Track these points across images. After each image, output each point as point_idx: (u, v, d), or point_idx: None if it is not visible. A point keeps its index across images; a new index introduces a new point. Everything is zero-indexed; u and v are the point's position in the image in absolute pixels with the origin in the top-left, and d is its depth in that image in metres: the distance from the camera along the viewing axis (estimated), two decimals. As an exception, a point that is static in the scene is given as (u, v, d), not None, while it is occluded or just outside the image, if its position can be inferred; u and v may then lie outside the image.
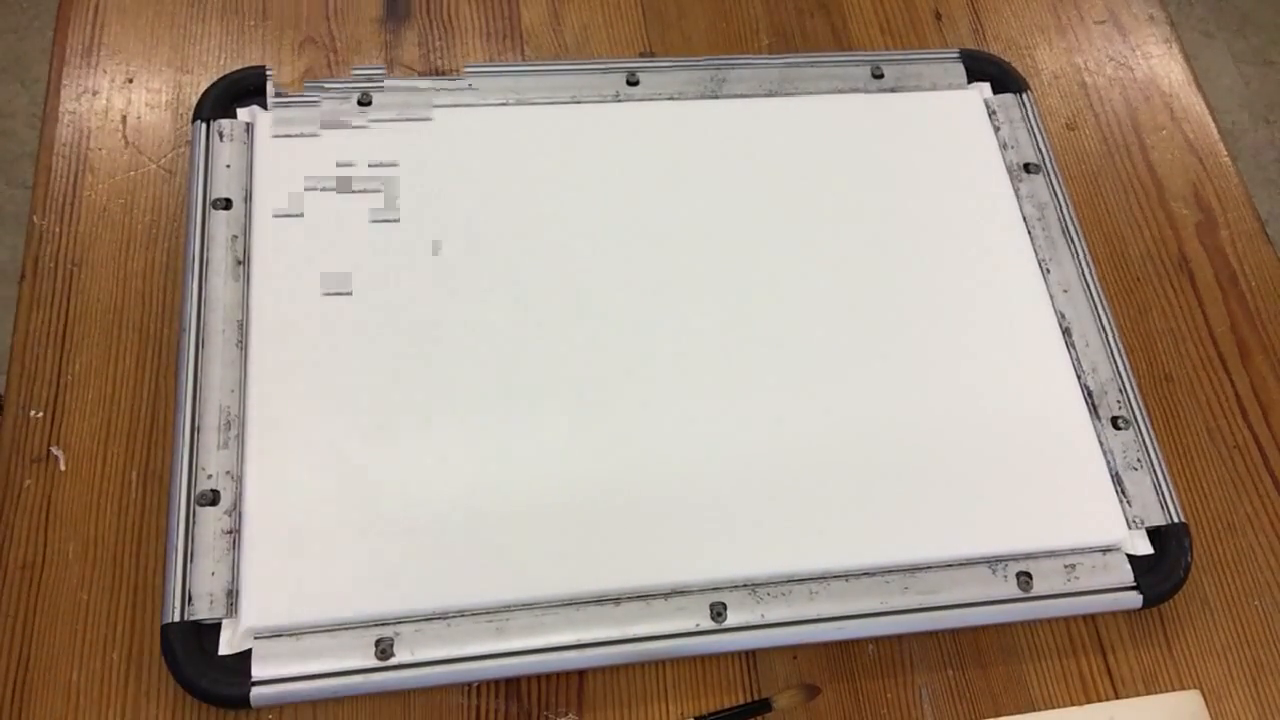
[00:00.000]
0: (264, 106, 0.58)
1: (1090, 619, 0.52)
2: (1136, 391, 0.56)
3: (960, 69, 0.66)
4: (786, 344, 0.55)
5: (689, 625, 0.48)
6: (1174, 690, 0.51)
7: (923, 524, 0.51)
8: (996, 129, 0.64)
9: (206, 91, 0.58)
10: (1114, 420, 0.55)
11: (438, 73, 0.64)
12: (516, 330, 0.54)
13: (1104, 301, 0.58)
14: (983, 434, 0.54)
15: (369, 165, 0.57)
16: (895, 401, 0.54)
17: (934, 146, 0.63)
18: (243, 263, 0.53)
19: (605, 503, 0.50)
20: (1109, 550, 0.52)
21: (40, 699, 0.46)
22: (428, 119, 0.59)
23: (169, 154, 0.59)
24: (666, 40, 0.67)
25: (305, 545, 0.47)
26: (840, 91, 0.64)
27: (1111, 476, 0.54)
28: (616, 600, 0.48)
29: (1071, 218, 0.61)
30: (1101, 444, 0.55)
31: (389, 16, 0.66)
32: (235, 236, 0.54)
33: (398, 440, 0.50)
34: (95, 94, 0.60)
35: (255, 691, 0.44)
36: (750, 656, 0.50)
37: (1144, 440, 0.55)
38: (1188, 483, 0.57)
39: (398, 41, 0.65)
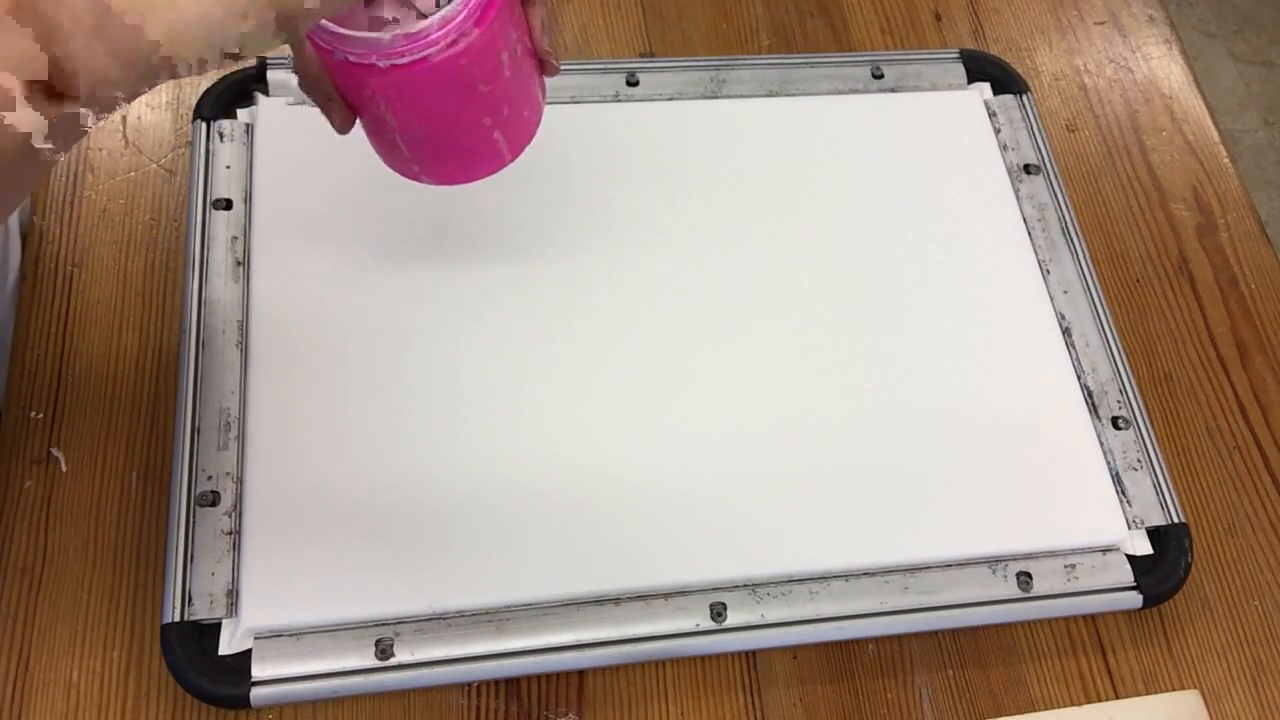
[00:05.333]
0: (265, 93, 0.58)
1: (1090, 619, 0.53)
2: (1136, 392, 0.56)
3: (960, 69, 0.66)
4: (786, 344, 0.55)
5: (689, 625, 0.48)
6: (1174, 690, 0.51)
7: (923, 524, 0.51)
8: (997, 130, 0.64)
9: (207, 91, 0.58)
10: (1114, 420, 0.55)
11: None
12: (516, 331, 0.54)
13: (1104, 302, 0.58)
14: (983, 434, 0.54)
15: (368, 166, 0.57)
16: (895, 401, 0.54)
17: (934, 147, 0.63)
18: (243, 263, 0.53)
19: (605, 503, 0.50)
20: (1109, 550, 0.52)
21: (40, 699, 0.46)
22: None
23: (169, 154, 0.59)
24: (666, 40, 0.67)
25: (305, 545, 0.47)
26: (840, 92, 0.64)
27: (1111, 476, 0.54)
28: (616, 600, 0.48)
29: (1071, 219, 0.61)
30: (1101, 444, 0.55)
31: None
32: (235, 237, 0.54)
33: (398, 440, 0.50)
34: (95, 94, 0.60)
35: (255, 691, 0.44)
36: (750, 656, 0.50)
37: (1144, 440, 0.55)
38: (1188, 483, 0.57)
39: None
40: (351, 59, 0.37)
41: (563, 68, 0.62)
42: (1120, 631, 0.52)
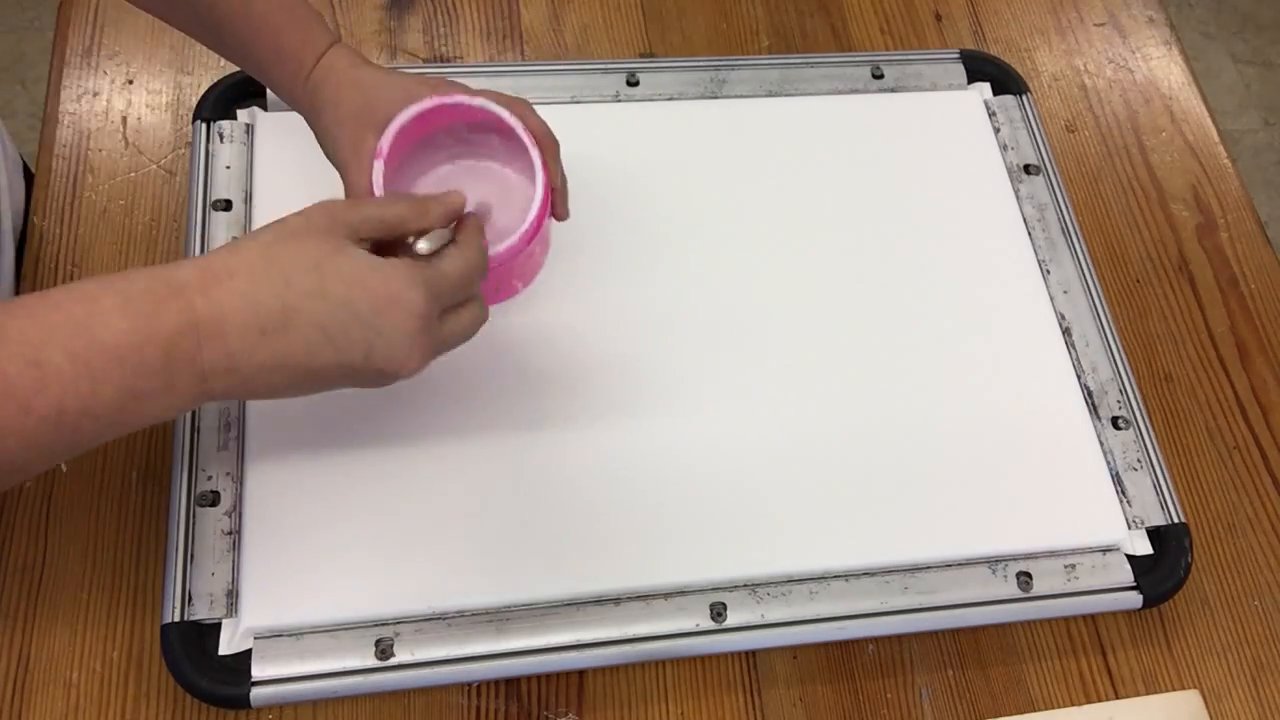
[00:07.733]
0: (264, 108, 0.58)
1: (1090, 619, 0.52)
2: (1136, 392, 0.56)
3: (960, 69, 0.66)
4: (786, 345, 0.55)
5: (689, 625, 0.48)
6: (1174, 690, 0.51)
7: (922, 524, 0.51)
8: (996, 130, 0.64)
9: (207, 92, 0.58)
10: (1114, 420, 0.55)
11: (441, 59, 0.64)
12: (515, 331, 0.54)
13: (1104, 302, 0.58)
14: (983, 434, 0.54)
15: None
16: (895, 402, 0.54)
17: (934, 147, 0.63)
18: (243, 263, 0.53)
19: (606, 503, 0.50)
20: (1109, 550, 0.52)
21: (40, 699, 0.46)
22: None
23: (169, 155, 0.59)
24: (666, 40, 0.67)
25: (305, 545, 0.47)
26: (840, 92, 0.64)
27: (1111, 476, 0.54)
28: (616, 600, 0.48)
29: (1071, 219, 0.61)
30: (1101, 444, 0.55)
31: (393, 4, 0.66)
32: (235, 238, 0.54)
33: (398, 441, 0.50)
34: (95, 95, 0.60)
35: (255, 691, 0.44)
36: (750, 656, 0.50)
37: (1144, 440, 0.55)
38: (1188, 483, 0.57)
39: (401, 29, 0.65)
40: None
41: (563, 68, 0.62)
42: (1120, 631, 0.52)
